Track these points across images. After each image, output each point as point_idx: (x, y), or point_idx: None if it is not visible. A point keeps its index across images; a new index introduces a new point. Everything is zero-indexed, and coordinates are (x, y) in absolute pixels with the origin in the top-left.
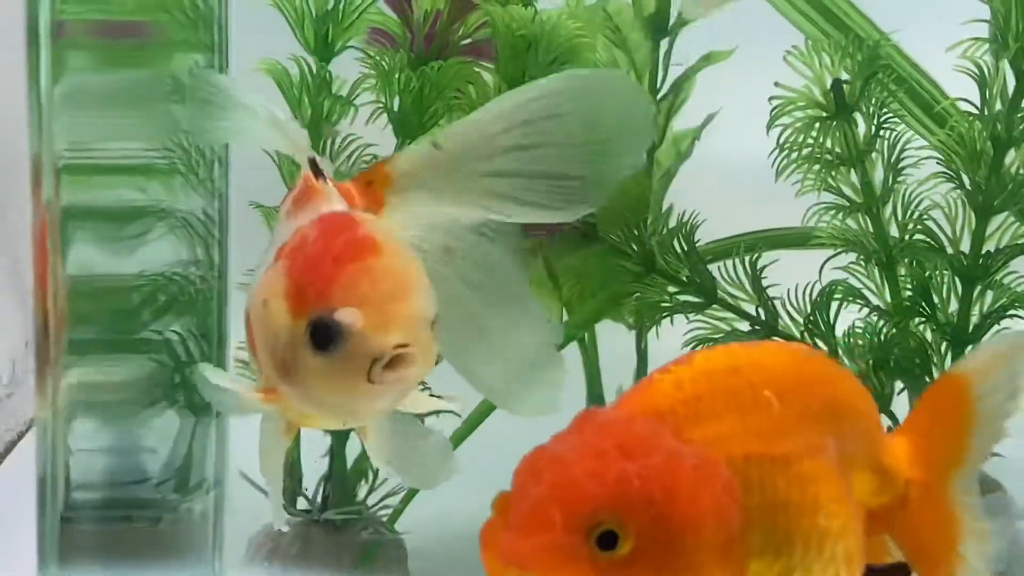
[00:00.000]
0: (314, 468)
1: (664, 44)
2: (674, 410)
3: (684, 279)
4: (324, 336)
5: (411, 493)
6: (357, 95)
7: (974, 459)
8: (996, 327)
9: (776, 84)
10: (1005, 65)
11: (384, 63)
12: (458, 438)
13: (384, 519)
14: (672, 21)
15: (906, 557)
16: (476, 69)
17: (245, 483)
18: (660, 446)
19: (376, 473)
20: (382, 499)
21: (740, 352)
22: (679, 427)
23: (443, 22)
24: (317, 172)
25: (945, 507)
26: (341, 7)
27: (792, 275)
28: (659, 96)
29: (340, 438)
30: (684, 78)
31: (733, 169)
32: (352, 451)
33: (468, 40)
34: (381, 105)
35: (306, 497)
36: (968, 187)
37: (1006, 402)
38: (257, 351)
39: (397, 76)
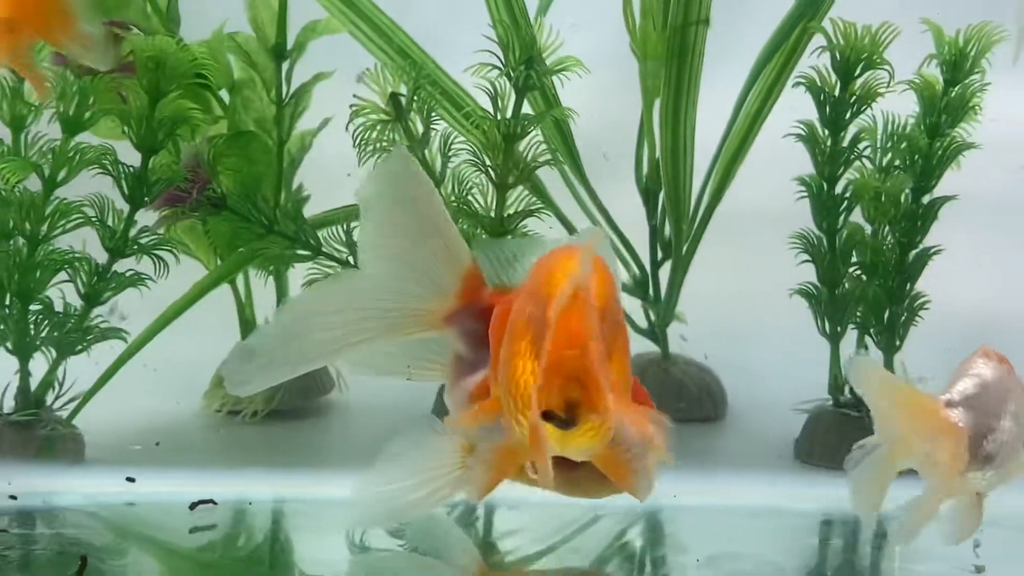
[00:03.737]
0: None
1: (285, 66)
2: None
3: (295, 237)
4: None
5: (87, 396)
6: (49, 103)
7: None
8: None
9: (354, 96)
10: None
11: (62, 78)
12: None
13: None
14: (289, 48)
15: None
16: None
17: None
18: None
19: (62, 384)
20: (64, 404)
21: None
22: None
23: None
24: None
25: None
26: None
27: None
28: (284, 104)
29: (24, 359)
30: (302, 90)
31: (347, 160)
32: (38, 370)
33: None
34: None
35: None
36: (490, 171)
37: None
38: None
39: (64, 88)
